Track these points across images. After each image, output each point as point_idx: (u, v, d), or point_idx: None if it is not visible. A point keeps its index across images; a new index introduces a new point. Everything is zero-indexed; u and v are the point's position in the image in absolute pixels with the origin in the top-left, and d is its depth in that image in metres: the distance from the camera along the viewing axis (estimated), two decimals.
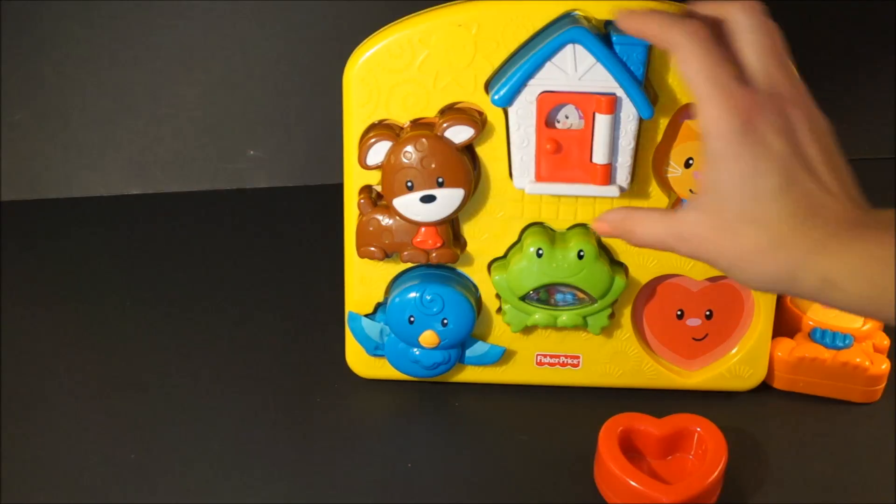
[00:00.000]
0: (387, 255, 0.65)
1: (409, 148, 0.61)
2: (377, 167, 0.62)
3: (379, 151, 0.61)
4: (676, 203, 0.65)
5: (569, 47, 0.57)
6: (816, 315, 0.70)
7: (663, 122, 0.62)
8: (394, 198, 0.62)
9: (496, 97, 0.59)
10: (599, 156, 0.59)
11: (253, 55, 0.88)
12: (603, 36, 0.57)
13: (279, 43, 0.88)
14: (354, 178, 0.64)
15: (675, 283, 0.68)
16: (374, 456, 0.64)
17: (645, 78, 0.58)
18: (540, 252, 0.64)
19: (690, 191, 0.64)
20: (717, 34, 0.51)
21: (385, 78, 0.61)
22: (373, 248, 0.65)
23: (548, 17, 0.60)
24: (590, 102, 0.58)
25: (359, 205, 0.64)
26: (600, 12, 0.60)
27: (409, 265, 0.66)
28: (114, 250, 0.83)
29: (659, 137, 0.62)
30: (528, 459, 0.64)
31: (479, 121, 0.61)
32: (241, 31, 0.87)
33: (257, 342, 0.73)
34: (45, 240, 0.84)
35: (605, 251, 0.65)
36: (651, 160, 0.63)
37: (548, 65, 0.57)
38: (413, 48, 0.60)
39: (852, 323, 0.70)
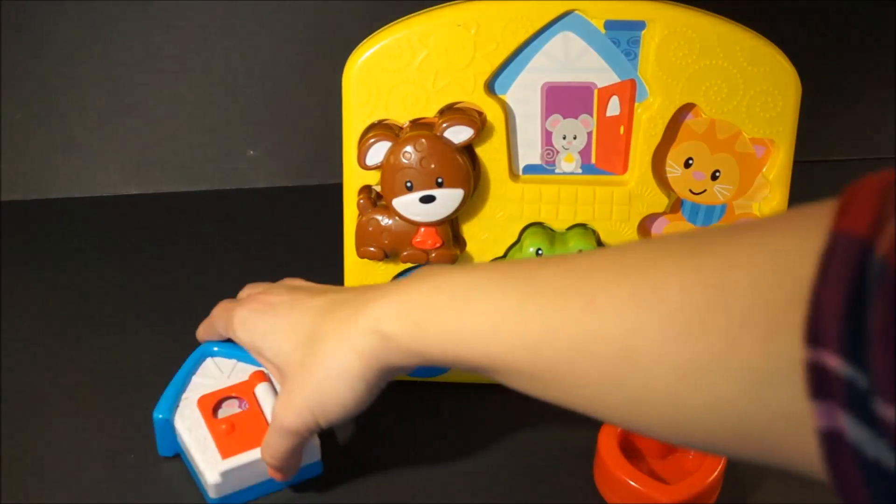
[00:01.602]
0: (386, 255, 0.65)
1: (409, 148, 0.61)
2: (377, 167, 0.62)
3: (378, 151, 0.61)
4: (676, 203, 0.65)
5: None
6: None
7: (663, 123, 0.62)
8: (393, 198, 0.62)
9: None
10: None
11: (253, 55, 0.88)
12: None
13: (279, 43, 0.88)
14: (354, 178, 0.64)
15: None
16: (372, 456, 0.64)
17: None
18: (539, 252, 0.64)
19: (690, 191, 0.64)
20: None
21: (384, 78, 0.61)
22: (372, 249, 0.65)
23: (548, 17, 0.60)
24: None
25: (358, 205, 0.64)
26: (600, 12, 0.60)
27: (409, 265, 0.66)
28: (114, 250, 0.83)
29: (659, 137, 0.62)
30: (528, 459, 0.64)
31: (478, 121, 0.61)
32: (241, 31, 0.87)
33: None
34: (45, 240, 0.84)
35: None
36: (651, 160, 0.63)
37: None
38: (412, 48, 0.61)
39: None
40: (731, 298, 0.37)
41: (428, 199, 0.62)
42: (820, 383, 0.33)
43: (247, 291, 0.63)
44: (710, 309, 0.37)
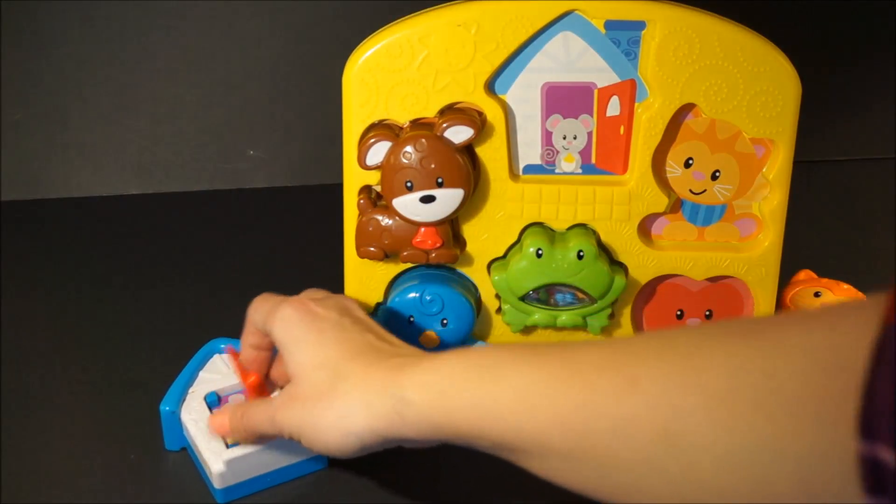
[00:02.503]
0: (386, 255, 0.65)
1: (409, 148, 0.61)
2: (377, 167, 0.62)
3: (378, 151, 0.61)
4: (676, 203, 0.65)
5: None
6: None
7: (663, 123, 0.62)
8: (393, 198, 0.62)
9: None
10: None
11: (253, 55, 0.88)
12: None
13: (279, 43, 0.88)
14: (354, 178, 0.64)
15: (674, 283, 0.68)
16: (372, 456, 0.64)
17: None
18: (539, 252, 0.64)
19: (690, 191, 0.64)
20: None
21: (385, 78, 0.61)
22: (372, 249, 0.65)
23: (548, 17, 0.60)
24: None
25: (358, 205, 0.64)
26: (600, 12, 0.60)
27: (409, 265, 0.66)
28: (114, 250, 0.83)
29: (659, 137, 0.62)
30: None
31: (478, 121, 0.61)
32: (241, 31, 0.87)
33: None
34: (45, 240, 0.84)
35: (604, 251, 0.65)
36: (651, 160, 0.63)
37: None
38: (412, 48, 0.61)
39: None
40: (782, 387, 0.36)
41: (428, 199, 0.62)
42: (874, 478, 0.32)
43: (305, 295, 0.61)
44: (759, 396, 0.36)
